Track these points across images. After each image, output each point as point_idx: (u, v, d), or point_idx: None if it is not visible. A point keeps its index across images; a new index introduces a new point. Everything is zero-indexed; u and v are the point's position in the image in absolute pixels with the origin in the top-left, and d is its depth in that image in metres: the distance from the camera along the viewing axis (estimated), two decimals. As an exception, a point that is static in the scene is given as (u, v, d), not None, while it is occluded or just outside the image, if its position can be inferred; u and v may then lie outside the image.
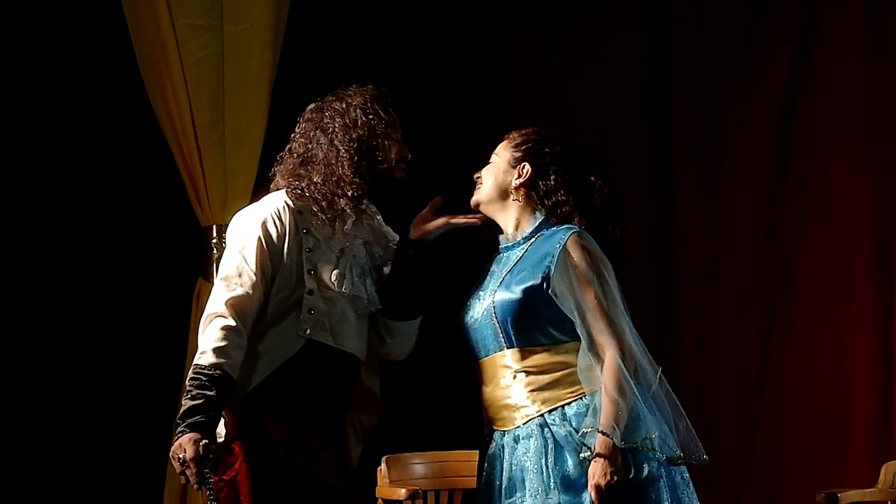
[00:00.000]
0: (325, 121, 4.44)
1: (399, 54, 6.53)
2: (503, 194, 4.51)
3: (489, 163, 4.55)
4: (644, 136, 6.52)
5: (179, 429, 4.19)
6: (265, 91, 5.91)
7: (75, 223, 6.18)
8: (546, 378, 4.35)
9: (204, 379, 4.20)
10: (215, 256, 5.79)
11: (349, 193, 4.39)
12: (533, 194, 4.49)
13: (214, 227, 5.84)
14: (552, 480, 4.29)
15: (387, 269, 4.52)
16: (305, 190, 4.41)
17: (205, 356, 4.23)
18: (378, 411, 4.56)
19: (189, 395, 4.21)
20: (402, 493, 4.98)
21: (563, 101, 6.52)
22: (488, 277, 4.50)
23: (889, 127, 6.15)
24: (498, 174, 4.51)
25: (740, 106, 6.37)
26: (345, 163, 4.38)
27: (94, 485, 6.15)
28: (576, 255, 4.36)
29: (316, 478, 4.37)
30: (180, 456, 4.15)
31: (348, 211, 4.40)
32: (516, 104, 6.52)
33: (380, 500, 5.04)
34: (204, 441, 4.15)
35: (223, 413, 4.30)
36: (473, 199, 4.55)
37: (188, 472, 4.16)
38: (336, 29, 6.49)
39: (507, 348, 4.38)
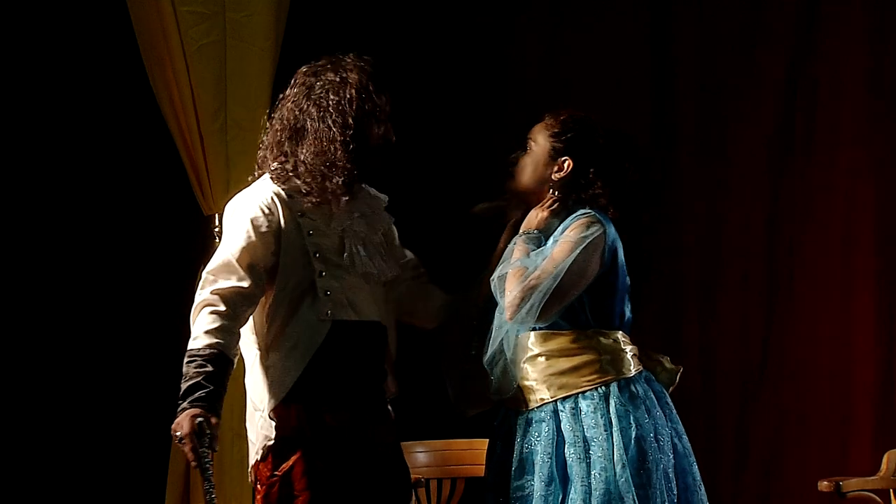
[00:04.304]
0: (319, 92, 4.31)
1: (401, 43, 6.51)
2: (541, 186, 4.46)
3: (526, 146, 4.48)
4: (647, 120, 6.52)
5: (180, 407, 4.18)
6: (267, 79, 5.90)
7: (77, 212, 6.18)
8: (565, 363, 4.32)
9: (199, 360, 4.18)
10: (217, 245, 5.78)
11: (341, 181, 4.30)
12: (570, 185, 4.43)
13: (216, 215, 5.83)
14: (558, 469, 4.29)
15: (384, 231, 4.49)
16: (292, 171, 4.33)
17: (197, 340, 4.22)
18: (394, 382, 4.52)
19: (186, 377, 4.19)
20: (404, 481, 4.99)
21: (565, 88, 6.51)
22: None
23: (893, 106, 6.15)
24: (538, 166, 4.45)
25: (743, 90, 6.38)
26: (337, 146, 4.28)
27: (96, 475, 6.15)
28: (573, 229, 4.32)
29: (378, 460, 4.35)
30: (178, 433, 4.15)
31: (339, 192, 4.33)
32: (517, 94, 6.51)
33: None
34: (200, 418, 4.13)
35: (271, 415, 4.28)
36: (510, 187, 4.50)
37: (185, 449, 4.15)
38: (338, 17, 6.47)
39: (530, 330, 4.35)
